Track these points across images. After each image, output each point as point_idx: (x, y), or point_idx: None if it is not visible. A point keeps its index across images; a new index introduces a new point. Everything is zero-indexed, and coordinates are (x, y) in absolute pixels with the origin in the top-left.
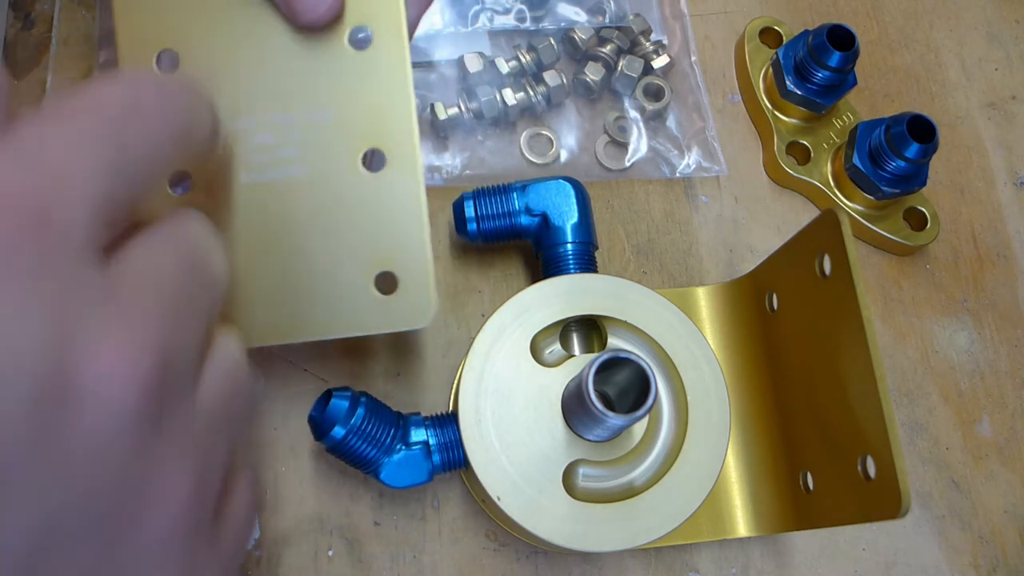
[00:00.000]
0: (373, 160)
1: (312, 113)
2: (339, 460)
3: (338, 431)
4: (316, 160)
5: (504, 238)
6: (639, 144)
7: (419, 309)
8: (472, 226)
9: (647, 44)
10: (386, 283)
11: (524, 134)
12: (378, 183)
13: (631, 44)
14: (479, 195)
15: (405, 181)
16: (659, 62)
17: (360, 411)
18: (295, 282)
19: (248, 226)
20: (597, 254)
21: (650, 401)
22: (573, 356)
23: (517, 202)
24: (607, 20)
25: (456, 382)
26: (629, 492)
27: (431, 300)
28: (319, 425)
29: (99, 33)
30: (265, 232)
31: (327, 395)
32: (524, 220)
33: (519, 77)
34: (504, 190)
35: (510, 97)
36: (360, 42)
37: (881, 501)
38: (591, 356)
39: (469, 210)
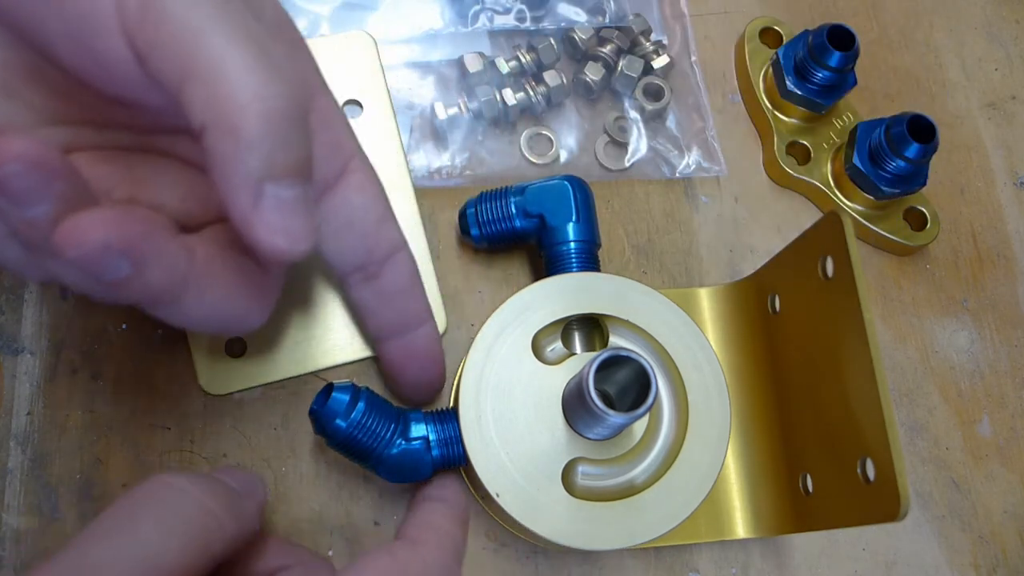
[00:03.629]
0: None
1: None
2: (339, 456)
3: (338, 425)
4: None
5: (507, 241)
6: (639, 144)
7: None
8: (475, 231)
9: (647, 44)
10: None
11: (524, 134)
12: None
13: (631, 44)
14: (480, 200)
15: (408, 220)
16: (659, 62)
17: (360, 405)
18: (329, 314)
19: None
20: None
21: (650, 400)
22: (574, 354)
23: (514, 205)
24: (607, 20)
25: (457, 378)
26: (629, 491)
27: (441, 316)
28: (319, 419)
29: None
30: (299, 273)
31: (328, 389)
32: (523, 223)
33: (519, 77)
34: (502, 194)
35: (510, 97)
36: (352, 111)
37: (880, 503)
38: (592, 354)
39: (471, 216)
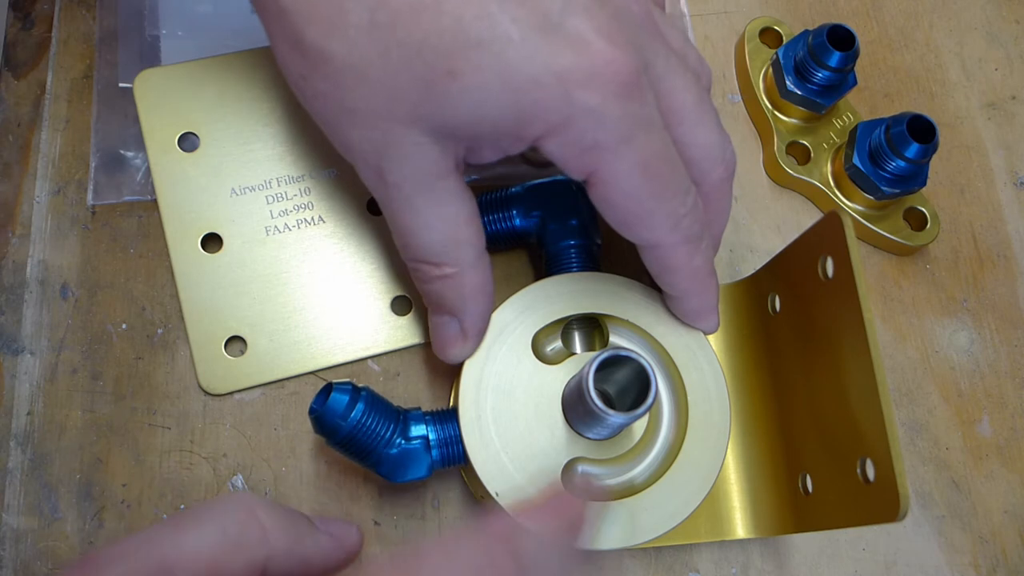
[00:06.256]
0: (377, 205)
1: (319, 172)
2: (339, 456)
3: (338, 424)
4: (330, 209)
5: (507, 240)
6: None
7: None
8: None
9: None
10: (401, 305)
11: None
12: (383, 222)
13: None
14: (480, 200)
15: None
16: None
17: (360, 405)
18: (328, 314)
19: (279, 271)
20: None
21: (650, 400)
22: (574, 354)
23: (514, 204)
24: None
25: (457, 378)
26: (628, 491)
27: None
28: (319, 418)
29: (99, 33)
30: (296, 274)
31: (328, 388)
32: (523, 222)
33: None
34: (502, 192)
35: None
36: None
37: (880, 504)
38: (592, 354)
39: None
